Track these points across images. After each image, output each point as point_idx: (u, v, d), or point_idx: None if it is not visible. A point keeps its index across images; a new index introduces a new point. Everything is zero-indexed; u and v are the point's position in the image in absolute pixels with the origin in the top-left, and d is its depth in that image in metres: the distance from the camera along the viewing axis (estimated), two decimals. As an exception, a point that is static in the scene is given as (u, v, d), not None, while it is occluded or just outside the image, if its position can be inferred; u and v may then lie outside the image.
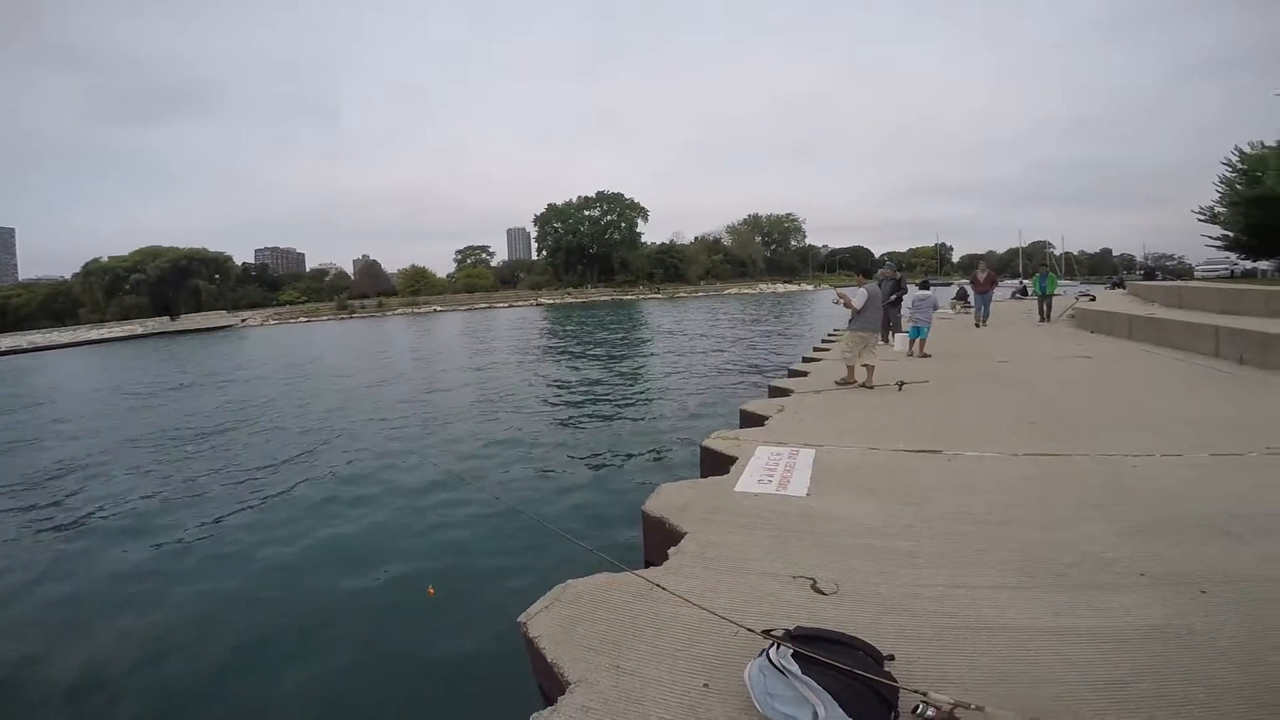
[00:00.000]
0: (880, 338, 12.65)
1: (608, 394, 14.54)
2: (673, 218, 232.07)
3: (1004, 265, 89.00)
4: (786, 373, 10.53)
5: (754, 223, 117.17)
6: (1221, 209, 28.68)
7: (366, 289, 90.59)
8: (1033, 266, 17.06)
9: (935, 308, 11.45)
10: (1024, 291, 30.91)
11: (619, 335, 31.28)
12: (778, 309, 47.85)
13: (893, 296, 12.42)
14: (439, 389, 16.43)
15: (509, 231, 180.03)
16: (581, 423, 11.22)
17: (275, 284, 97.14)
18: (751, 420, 6.95)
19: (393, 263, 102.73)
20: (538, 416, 12.03)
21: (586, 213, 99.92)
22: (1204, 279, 29.25)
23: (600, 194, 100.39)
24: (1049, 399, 6.92)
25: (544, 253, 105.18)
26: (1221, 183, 28.04)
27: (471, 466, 9.16)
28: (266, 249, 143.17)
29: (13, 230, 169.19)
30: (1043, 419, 5.92)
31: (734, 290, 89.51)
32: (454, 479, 8.43)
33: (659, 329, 33.99)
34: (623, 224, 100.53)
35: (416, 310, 73.92)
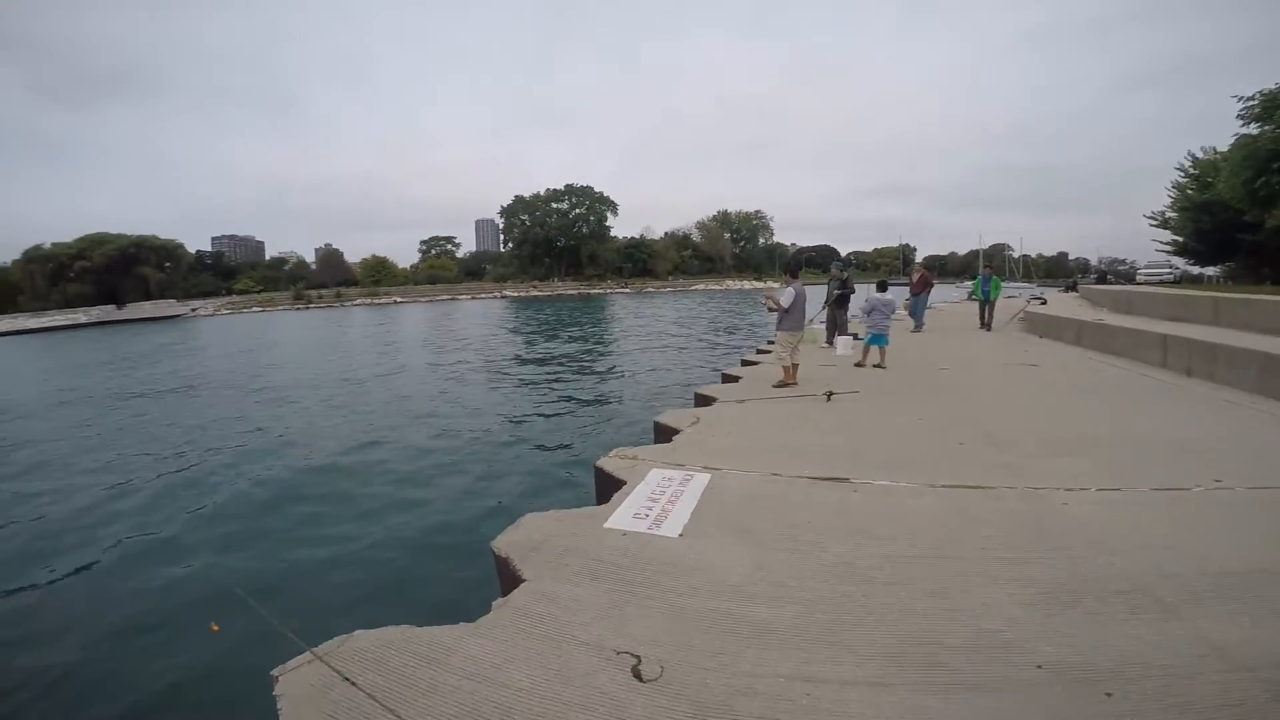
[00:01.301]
0: (826, 340, 11.96)
1: (545, 398, 13.76)
2: (642, 213, 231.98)
3: (965, 267, 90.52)
4: (720, 377, 9.74)
5: (723, 219, 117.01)
6: (1172, 214, 29.08)
7: (326, 278, 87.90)
8: (989, 269, 16.30)
9: (894, 311, 9.73)
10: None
11: (587, 331, 30.37)
12: (743, 306, 47.44)
13: (836, 294, 11.66)
14: (378, 377, 15.49)
15: (477, 223, 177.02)
16: (506, 439, 10.42)
17: (231, 272, 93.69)
18: (663, 433, 6.20)
19: (356, 252, 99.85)
20: (456, 437, 11.19)
21: (555, 205, 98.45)
22: (1145, 283, 29.47)
23: (569, 186, 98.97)
24: (984, 414, 6.28)
25: (510, 245, 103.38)
26: (1174, 187, 28.40)
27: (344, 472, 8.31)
28: (225, 237, 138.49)
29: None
30: (972, 439, 5.26)
31: (701, 286, 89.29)
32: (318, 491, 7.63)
33: (627, 328, 33.09)
34: (591, 217, 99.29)
35: (375, 301, 71.79)
